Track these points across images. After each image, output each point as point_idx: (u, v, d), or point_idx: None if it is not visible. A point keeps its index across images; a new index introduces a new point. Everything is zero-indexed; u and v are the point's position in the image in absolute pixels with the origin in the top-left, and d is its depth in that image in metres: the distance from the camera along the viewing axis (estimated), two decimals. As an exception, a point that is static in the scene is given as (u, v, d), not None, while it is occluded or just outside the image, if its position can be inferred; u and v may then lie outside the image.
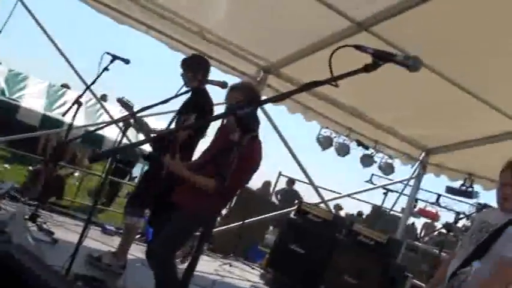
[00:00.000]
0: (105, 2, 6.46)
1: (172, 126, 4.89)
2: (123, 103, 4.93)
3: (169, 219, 3.67)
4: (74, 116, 5.47)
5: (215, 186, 3.46)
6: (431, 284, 3.43)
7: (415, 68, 1.79)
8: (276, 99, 1.73)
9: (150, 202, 4.73)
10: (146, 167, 5.81)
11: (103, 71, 5.17)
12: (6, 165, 10.34)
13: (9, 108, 10.32)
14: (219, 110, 6.29)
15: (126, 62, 5.24)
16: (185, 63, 4.98)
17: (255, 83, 7.46)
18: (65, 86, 11.99)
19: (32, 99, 10.75)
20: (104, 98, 10.89)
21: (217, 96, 4.08)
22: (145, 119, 5.23)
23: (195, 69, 4.91)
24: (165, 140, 4.60)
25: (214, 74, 7.38)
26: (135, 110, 4.78)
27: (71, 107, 5.43)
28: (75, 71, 6.87)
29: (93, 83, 5.40)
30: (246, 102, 1.59)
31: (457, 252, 3.22)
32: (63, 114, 6.04)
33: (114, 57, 5.18)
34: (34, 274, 2.39)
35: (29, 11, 6.54)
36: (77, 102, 5.45)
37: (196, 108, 4.71)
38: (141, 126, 4.90)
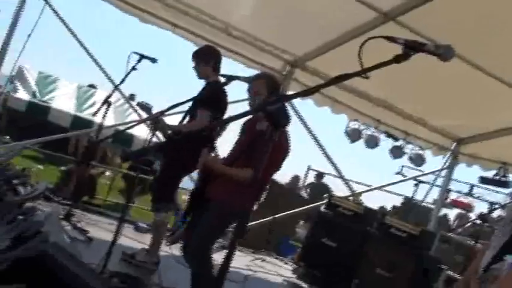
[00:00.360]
0: (130, 1, 6.53)
1: (187, 119, 4.96)
2: (142, 106, 5.07)
3: (203, 214, 3.70)
4: (104, 116, 5.54)
5: (251, 176, 3.47)
6: (465, 276, 3.35)
7: (447, 57, 1.75)
8: (307, 93, 1.71)
9: (172, 195, 4.95)
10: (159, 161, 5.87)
11: (131, 70, 5.22)
12: (40, 166, 10.54)
13: (41, 110, 10.55)
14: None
15: (154, 60, 5.28)
16: (196, 55, 5.03)
17: (282, 77, 7.45)
18: (92, 86, 12.17)
19: (62, 101, 10.97)
20: (132, 97, 11.01)
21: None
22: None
23: (206, 59, 4.97)
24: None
25: (240, 69, 7.42)
26: (153, 111, 4.88)
27: (100, 107, 5.49)
28: (104, 71, 6.95)
29: (121, 82, 5.46)
30: (275, 97, 1.58)
31: (491, 243, 3.13)
32: (93, 115, 6.13)
33: (142, 57, 5.22)
34: (71, 272, 2.45)
35: (56, 13, 6.63)
36: (106, 102, 5.51)
37: (212, 102, 4.78)
38: (162, 127, 4.92)
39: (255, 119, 3.73)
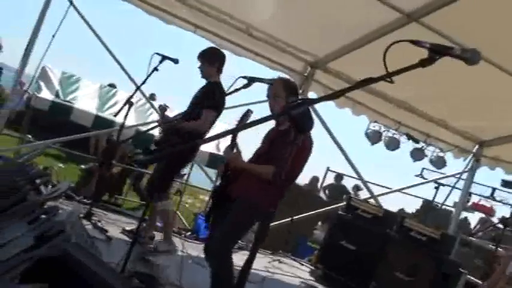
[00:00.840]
0: (152, 2, 6.57)
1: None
2: (162, 109, 5.58)
3: (226, 214, 3.71)
4: (126, 116, 5.57)
5: (274, 172, 3.49)
6: (489, 285, 3.28)
7: (474, 61, 1.73)
8: (331, 97, 1.70)
9: (170, 183, 5.37)
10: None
11: (153, 71, 5.26)
12: (61, 165, 10.67)
13: (64, 109, 10.68)
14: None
15: (175, 61, 5.33)
16: (201, 56, 5.26)
17: (303, 78, 7.44)
18: (112, 85, 12.27)
19: (85, 101, 11.09)
20: (152, 97, 11.08)
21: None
22: None
23: (211, 60, 5.22)
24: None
25: (262, 71, 7.42)
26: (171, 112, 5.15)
27: (122, 107, 5.53)
28: (126, 72, 7.00)
29: (143, 83, 5.49)
30: (299, 101, 1.57)
31: None
32: (115, 115, 6.18)
33: (164, 58, 5.27)
34: (92, 271, 2.46)
35: (80, 14, 6.69)
36: (128, 102, 5.55)
37: (218, 104, 5.06)
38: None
39: (280, 120, 3.80)
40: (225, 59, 5.34)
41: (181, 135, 5.03)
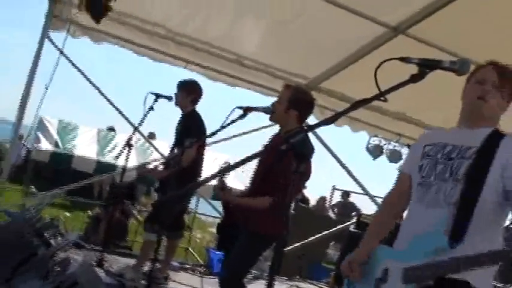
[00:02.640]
0: (140, 42, 6.63)
1: (176, 150, 5.34)
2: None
3: (236, 242, 3.71)
4: (127, 158, 5.59)
5: (270, 204, 3.50)
6: None
7: (463, 71, 1.76)
8: (327, 122, 1.71)
9: (165, 218, 5.10)
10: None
11: (149, 110, 5.32)
12: (67, 214, 10.64)
13: (65, 158, 10.74)
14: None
15: (169, 98, 5.40)
16: (179, 85, 5.39)
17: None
18: (111, 128, 12.33)
19: (84, 147, 11.15)
20: (152, 136, 11.12)
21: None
22: None
23: (187, 91, 5.36)
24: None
25: (256, 98, 7.46)
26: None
27: (122, 151, 5.55)
28: (122, 115, 7.03)
29: (140, 124, 5.53)
30: (297, 130, 1.59)
31: None
32: (116, 158, 6.21)
33: (158, 96, 5.33)
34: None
35: (72, 63, 6.74)
36: (128, 144, 5.57)
37: (197, 131, 5.15)
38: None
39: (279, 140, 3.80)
40: (201, 92, 5.47)
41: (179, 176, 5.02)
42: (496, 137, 2.10)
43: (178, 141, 5.35)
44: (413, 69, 1.84)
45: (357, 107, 1.78)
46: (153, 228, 5.34)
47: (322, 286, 7.61)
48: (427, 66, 1.74)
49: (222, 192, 3.86)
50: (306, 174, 3.68)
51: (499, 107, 2.20)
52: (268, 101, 7.06)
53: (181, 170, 4.92)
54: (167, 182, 5.17)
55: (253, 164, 3.94)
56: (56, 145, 10.96)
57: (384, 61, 1.73)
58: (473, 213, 1.98)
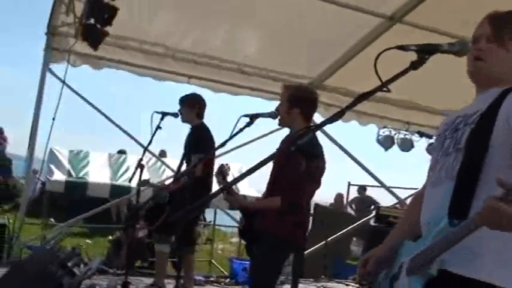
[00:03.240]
0: (142, 64, 6.68)
1: (184, 165, 5.46)
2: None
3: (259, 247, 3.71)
4: (140, 179, 5.60)
5: (281, 202, 3.50)
6: None
7: (463, 52, 1.75)
8: (333, 119, 1.70)
9: (174, 229, 5.26)
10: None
11: (156, 130, 5.31)
12: (88, 241, 10.67)
13: (79, 186, 10.78)
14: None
15: (175, 115, 5.41)
16: (181, 101, 5.43)
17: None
18: (122, 151, 12.37)
19: (97, 173, 11.19)
20: (163, 154, 11.15)
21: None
22: None
23: (190, 105, 5.39)
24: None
25: (262, 103, 7.47)
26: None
27: (135, 172, 5.56)
28: (131, 137, 7.07)
29: (149, 143, 5.53)
30: (304, 130, 1.59)
31: None
32: (129, 180, 6.22)
33: (164, 114, 5.33)
34: None
35: (76, 92, 6.78)
36: (139, 165, 5.58)
37: (205, 144, 5.18)
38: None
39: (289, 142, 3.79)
40: (204, 104, 5.50)
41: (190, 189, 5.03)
42: (505, 94, 1.78)
43: (188, 155, 5.40)
44: (414, 56, 1.82)
45: (361, 101, 1.76)
46: (162, 239, 5.48)
47: (349, 283, 7.56)
48: (425, 51, 1.73)
49: (231, 197, 3.88)
50: (321, 171, 3.67)
51: (505, 61, 1.83)
52: (273, 105, 7.09)
53: (193, 183, 4.93)
54: (178, 194, 5.20)
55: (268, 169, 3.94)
56: (69, 174, 11.01)
57: (382, 52, 1.71)
58: (478, 184, 1.68)
